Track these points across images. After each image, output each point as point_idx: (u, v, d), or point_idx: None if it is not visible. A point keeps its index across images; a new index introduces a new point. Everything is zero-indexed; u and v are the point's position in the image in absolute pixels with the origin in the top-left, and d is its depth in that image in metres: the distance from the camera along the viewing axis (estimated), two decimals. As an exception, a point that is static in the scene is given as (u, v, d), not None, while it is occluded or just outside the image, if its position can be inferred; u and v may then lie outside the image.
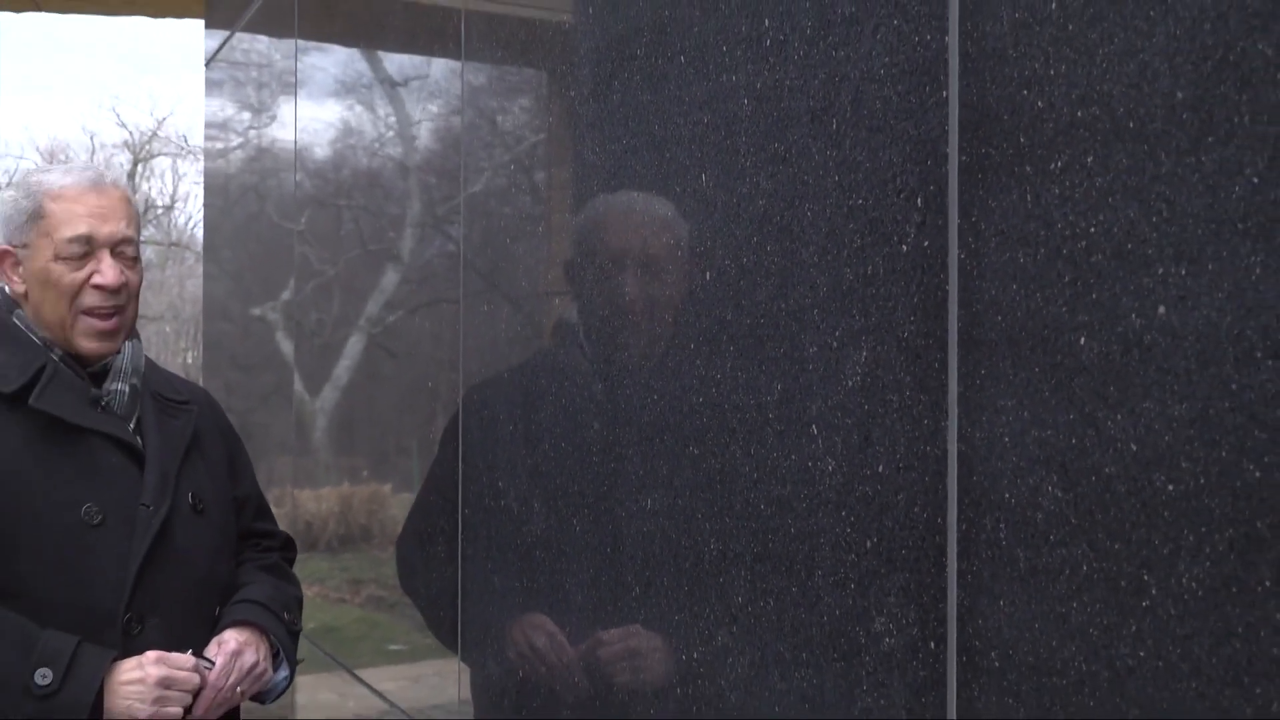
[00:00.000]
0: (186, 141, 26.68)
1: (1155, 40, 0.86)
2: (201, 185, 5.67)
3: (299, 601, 2.18)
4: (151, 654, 1.87)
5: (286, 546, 2.29)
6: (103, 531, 1.92)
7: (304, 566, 3.26)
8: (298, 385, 3.39)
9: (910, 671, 1.07)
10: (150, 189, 27.28)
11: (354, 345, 2.99)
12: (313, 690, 3.15)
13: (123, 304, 2.00)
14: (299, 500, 3.40)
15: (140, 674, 1.84)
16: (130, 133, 29.39)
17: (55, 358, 2.01)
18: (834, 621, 1.17)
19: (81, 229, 1.97)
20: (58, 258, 1.97)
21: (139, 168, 26.77)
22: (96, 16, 8.66)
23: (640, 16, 1.53)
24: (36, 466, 1.93)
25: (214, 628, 2.01)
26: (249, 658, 1.97)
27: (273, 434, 3.67)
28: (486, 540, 2.00)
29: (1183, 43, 0.84)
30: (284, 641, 2.05)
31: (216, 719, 1.93)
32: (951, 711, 1.03)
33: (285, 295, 3.50)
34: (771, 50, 1.27)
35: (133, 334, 2.11)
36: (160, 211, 27.31)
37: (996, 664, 0.98)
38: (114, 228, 1.98)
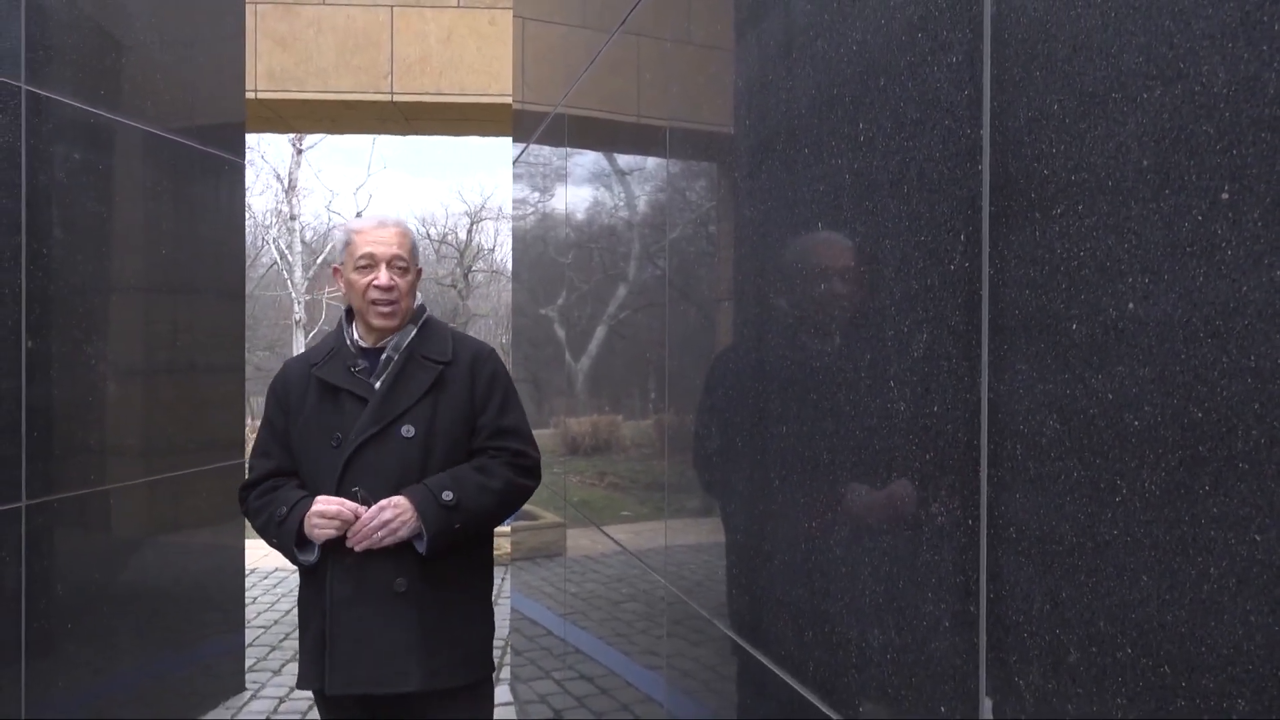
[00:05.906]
0: (502, 211, 27.58)
1: (1127, 127, 0.79)
2: (510, 236, 5.81)
3: (478, 487, 1.99)
4: (321, 498, 1.95)
5: (516, 455, 2.08)
6: (338, 449, 2.01)
7: (570, 464, 3.33)
8: (567, 356, 3.46)
9: (955, 539, 1.03)
10: (482, 239, 28.26)
11: (600, 332, 3.03)
12: (576, 539, 3.23)
13: (396, 299, 2.03)
14: (568, 425, 3.47)
15: (317, 508, 1.95)
16: (468, 205, 30.49)
17: (347, 343, 2.07)
18: (904, 505, 1.13)
19: (367, 249, 2.03)
20: (355, 268, 2.05)
21: (474, 227, 27.70)
22: (448, 137, 8.98)
23: (778, 125, 1.50)
24: (316, 409, 2.04)
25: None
26: (386, 515, 1.91)
27: (553, 385, 3.75)
28: (683, 451, 2.00)
29: (1147, 128, 0.77)
30: (427, 516, 1.92)
31: (368, 548, 1.91)
32: (983, 564, 0.98)
33: (559, 301, 3.57)
34: (864, 143, 1.23)
35: (415, 319, 2.10)
36: (487, 251, 28.26)
37: (1014, 535, 0.93)
38: (388, 249, 2.03)
